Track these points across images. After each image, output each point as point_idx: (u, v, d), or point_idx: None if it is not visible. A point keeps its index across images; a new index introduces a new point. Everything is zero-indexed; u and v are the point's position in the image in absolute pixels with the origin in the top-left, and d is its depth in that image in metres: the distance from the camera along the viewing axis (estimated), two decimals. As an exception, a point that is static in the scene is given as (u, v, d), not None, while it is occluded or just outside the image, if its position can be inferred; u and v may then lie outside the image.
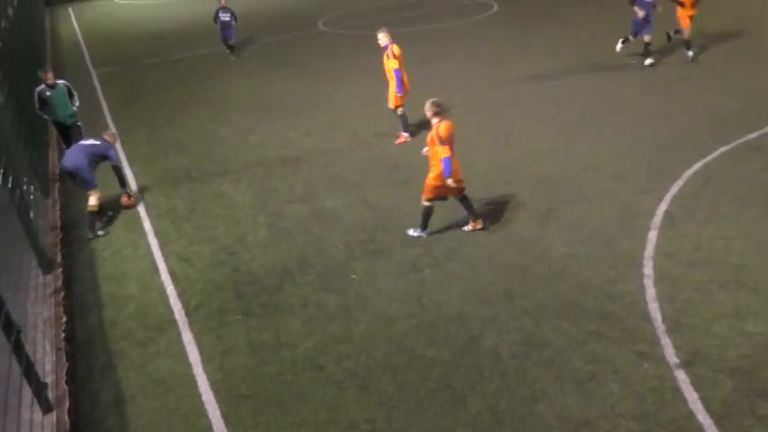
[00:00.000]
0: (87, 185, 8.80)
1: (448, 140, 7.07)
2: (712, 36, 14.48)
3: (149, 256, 8.05)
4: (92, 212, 8.75)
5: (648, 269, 6.61)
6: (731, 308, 5.91)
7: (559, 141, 10.05)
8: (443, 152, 7.04)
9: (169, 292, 7.24)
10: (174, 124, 13.12)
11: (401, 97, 10.34)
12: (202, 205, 9.32)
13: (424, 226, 7.70)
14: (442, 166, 7.11)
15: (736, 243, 6.90)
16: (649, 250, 6.93)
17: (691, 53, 12.98)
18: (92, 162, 8.83)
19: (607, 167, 8.96)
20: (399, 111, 10.53)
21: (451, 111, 11.13)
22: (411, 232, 7.78)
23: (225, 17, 17.29)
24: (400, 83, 10.18)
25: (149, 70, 18.15)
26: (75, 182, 8.96)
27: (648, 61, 13.01)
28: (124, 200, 9.36)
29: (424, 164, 7.71)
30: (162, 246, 8.27)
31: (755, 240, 6.91)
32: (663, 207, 7.75)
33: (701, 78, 12.13)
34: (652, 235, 7.20)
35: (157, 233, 8.62)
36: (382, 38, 10.23)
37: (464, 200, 7.63)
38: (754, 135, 9.42)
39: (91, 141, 9.04)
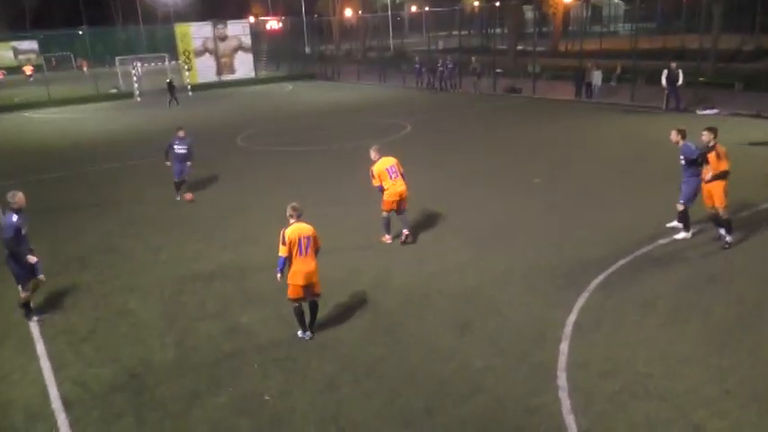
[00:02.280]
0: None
1: (284, 242, 7.60)
2: (608, 159, 16.03)
3: (40, 382, 7.39)
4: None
5: (562, 381, 6.77)
6: (643, 418, 6.10)
7: (473, 255, 10.47)
8: (281, 251, 7.62)
9: (61, 421, 6.61)
10: (79, 238, 12.60)
11: (384, 203, 10.80)
12: (105, 324, 8.80)
13: (301, 325, 7.96)
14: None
15: (641, 352, 7.26)
16: (562, 361, 7.14)
17: None
18: None
19: (519, 281, 9.36)
20: (384, 214, 10.96)
21: (366, 227, 11.47)
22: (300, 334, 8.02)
23: (181, 149, 14.43)
24: (382, 192, 10.73)
25: (55, 184, 17.61)
26: None
27: None
28: None
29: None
30: (56, 370, 7.63)
31: (658, 349, 7.30)
32: (572, 318, 8.11)
33: (595, 197, 13.21)
34: (563, 346, 7.46)
35: (51, 356, 7.97)
36: (372, 154, 10.84)
37: (314, 306, 8.00)
38: (649, 247, 10.23)
39: None
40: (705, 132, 9.86)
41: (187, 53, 42.34)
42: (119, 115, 31.85)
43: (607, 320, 8.03)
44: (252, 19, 58.16)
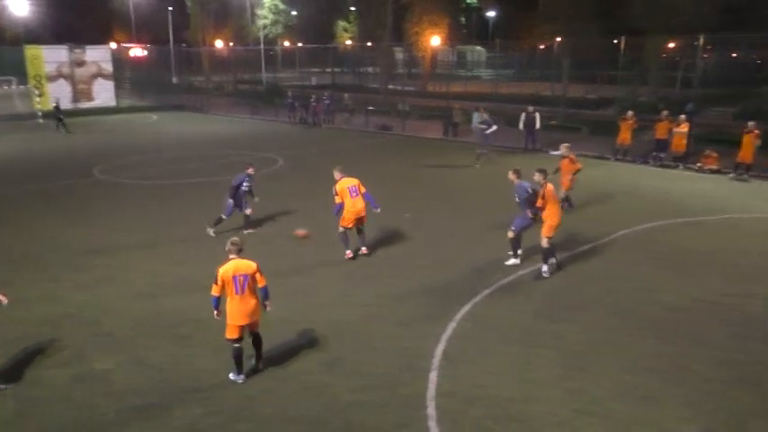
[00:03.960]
0: None
1: (216, 280, 7.36)
2: (474, 194, 16.97)
3: None
4: None
5: (431, 410, 6.99)
6: (504, 441, 6.45)
7: (344, 288, 10.58)
8: (213, 290, 7.42)
9: None
10: None
11: (342, 219, 11.68)
12: (-72, 377, 7.77)
13: (237, 366, 7.61)
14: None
15: (502, 378, 7.69)
16: (431, 391, 7.38)
17: None
18: None
19: (389, 313, 9.58)
20: (341, 229, 11.80)
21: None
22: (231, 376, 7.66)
23: (247, 186, 13.12)
24: (337, 211, 11.63)
25: None
26: None
27: None
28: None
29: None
30: None
31: (517, 375, 7.78)
32: (440, 348, 8.42)
33: (463, 230, 13.93)
34: (433, 376, 7.72)
35: None
36: (335, 174, 11.81)
37: (256, 339, 7.81)
38: (510, 278, 10.93)
39: None
40: (537, 173, 10.86)
41: (38, 78, 39.35)
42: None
43: (472, 349, 8.44)
44: (114, 45, 55.46)
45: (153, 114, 40.98)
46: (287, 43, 70.21)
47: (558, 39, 38.82)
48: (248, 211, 13.56)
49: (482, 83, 52.87)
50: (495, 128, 22.46)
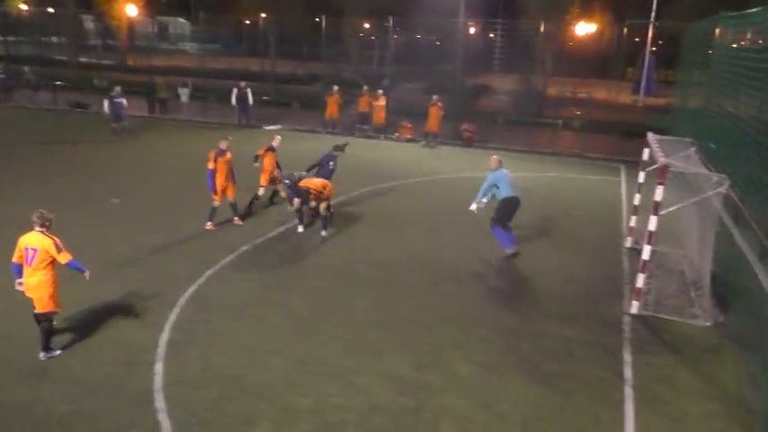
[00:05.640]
0: None
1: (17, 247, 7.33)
2: (188, 173, 16.27)
3: None
4: None
5: (160, 402, 6.63)
6: (240, 417, 6.46)
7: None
8: (14, 256, 7.35)
9: None
10: None
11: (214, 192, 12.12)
12: None
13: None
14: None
15: (234, 356, 7.66)
16: (158, 383, 6.99)
17: None
18: None
19: (104, 310, 8.72)
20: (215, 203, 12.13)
21: None
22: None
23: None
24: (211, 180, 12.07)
25: None
26: None
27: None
28: None
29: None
30: None
31: (249, 349, 7.82)
32: (165, 337, 8.01)
33: (179, 211, 13.33)
34: (159, 367, 7.31)
35: None
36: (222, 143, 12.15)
37: (38, 324, 7.50)
38: (232, 256, 10.85)
39: None
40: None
41: None
42: None
43: (200, 332, 8.21)
44: None
45: None
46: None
47: (263, 15, 39.09)
48: None
49: (188, 57, 50.75)
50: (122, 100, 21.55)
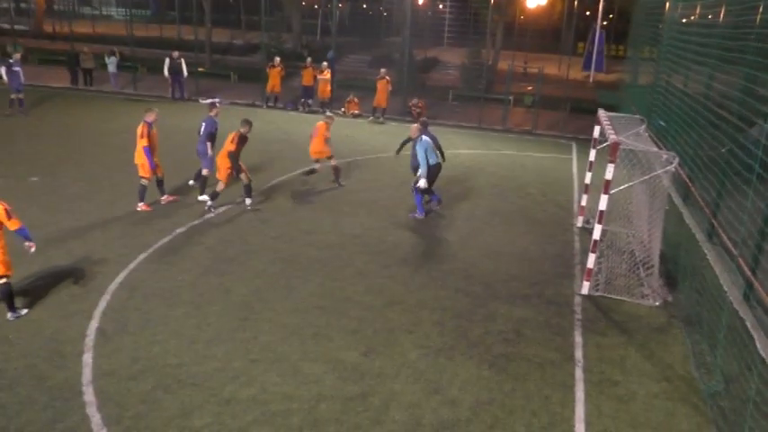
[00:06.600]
0: None
1: None
2: (116, 150, 15.69)
3: None
4: None
5: (89, 396, 6.43)
6: (178, 409, 6.34)
7: None
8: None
9: None
10: None
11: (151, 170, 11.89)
12: None
13: None
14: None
15: (170, 345, 7.49)
16: (87, 375, 6.78)
17: None
18: None
19: (19, 299, 8.38)
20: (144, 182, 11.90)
21: None
22: None
23: None
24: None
25: None
26: None
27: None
28: None
29: None
30: None
31: (186, 338, 7.67)
32: (93, 326, 7.76)
33: (105, 190, 12.89)
34: (87, 358, 7.09)
35: None
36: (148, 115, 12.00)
37: None
38: (168, 238, 10.59)
39: None
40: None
41: None
42: None
43: (132, 320, 7.99)
44: None
45: None
46: None
47: (197, -22, 37.95)
48: None
49: (115, 23, 48.85)
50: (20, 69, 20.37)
